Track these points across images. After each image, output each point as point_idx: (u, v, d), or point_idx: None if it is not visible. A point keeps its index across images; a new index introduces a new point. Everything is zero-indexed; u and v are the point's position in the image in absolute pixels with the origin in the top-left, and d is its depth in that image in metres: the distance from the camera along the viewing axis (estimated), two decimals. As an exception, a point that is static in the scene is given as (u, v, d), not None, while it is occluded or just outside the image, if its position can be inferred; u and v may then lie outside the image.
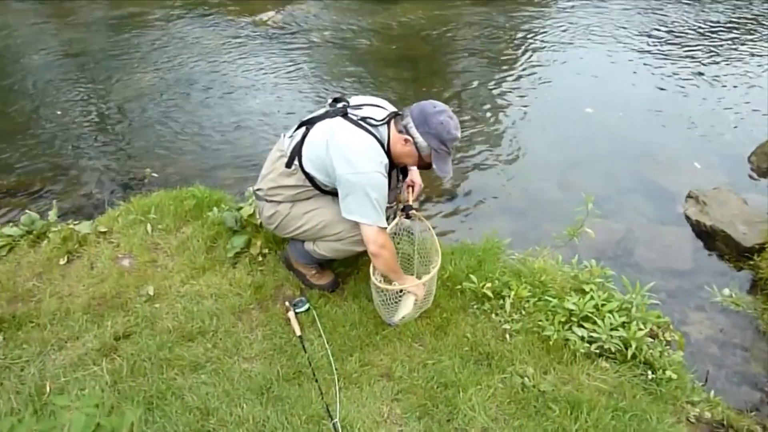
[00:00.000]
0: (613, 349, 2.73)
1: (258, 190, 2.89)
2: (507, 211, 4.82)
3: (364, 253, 2.76)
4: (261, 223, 3.25)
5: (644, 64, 7.47)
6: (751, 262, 3.97)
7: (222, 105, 6.42)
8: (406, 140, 2.59)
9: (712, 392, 2.81)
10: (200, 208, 3.80)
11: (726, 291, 3.73)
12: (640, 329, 2.80)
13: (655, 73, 7.20)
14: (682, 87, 6.86)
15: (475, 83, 7.03)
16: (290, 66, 7.48)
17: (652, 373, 2.71)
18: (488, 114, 6.29)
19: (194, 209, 3.79)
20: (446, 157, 2.62)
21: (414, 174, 3.08)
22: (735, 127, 5.86)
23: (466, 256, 3.37)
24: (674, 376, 2.70)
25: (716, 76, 7.06)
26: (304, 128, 2.71)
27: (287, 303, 3.06)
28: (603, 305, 2.87)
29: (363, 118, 2.62)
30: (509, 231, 4.48)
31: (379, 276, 2.81)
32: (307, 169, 2.66)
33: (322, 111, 2.76)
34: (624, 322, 2.83)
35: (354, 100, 2.77)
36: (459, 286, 3.11)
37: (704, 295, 3.78)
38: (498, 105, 6.51)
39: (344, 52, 8.02)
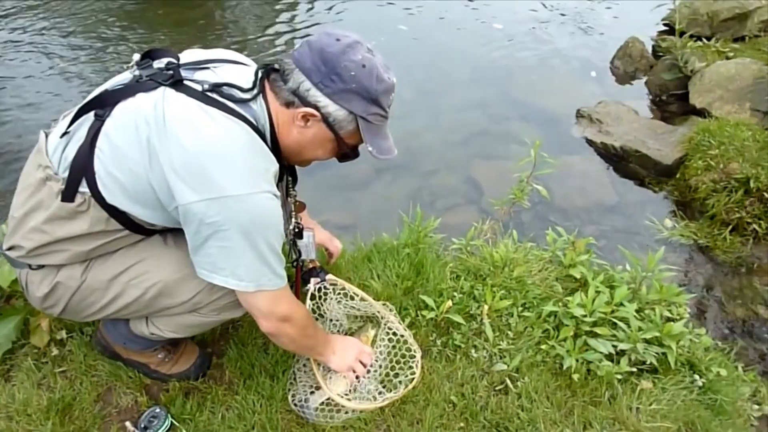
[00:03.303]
0: (647, 360, 1.91)
1: (10, 249, 1.42)
2: (381, 169, 3.76)
3: None
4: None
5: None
6: (673, 183, 3.48)
7: None
8: (305, 117, 1.35)
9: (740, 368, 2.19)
10: None
11: (668, 222, 3.18)
12: (670, 318, 2.02)
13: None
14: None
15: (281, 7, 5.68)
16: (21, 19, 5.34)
17: (699, 375, 1.95)
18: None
19: None
20: (383, 126, 1.44)
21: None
22: (587, 31, 5.41)
23: (390, 260, 2.26)
24: (723, 372, 1.98)
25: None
26: (90, 117, 1.31)
27: (130, 425, 1.71)
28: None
29: (216, 88, 1.31)
30: (400, 198, 3.48)
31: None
32: (112, 199, 1.30)
33: (124, 78, 1.37)
34: (638, 309, 2.03)
35: (187, 56, 1.43)
36: (406, 317, 2.01)
37: (645, 231, 3.20)
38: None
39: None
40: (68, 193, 1.28)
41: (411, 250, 2.28)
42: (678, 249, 3.05)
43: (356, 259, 2.34)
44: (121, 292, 1.43)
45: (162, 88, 1.29)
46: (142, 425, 1.71)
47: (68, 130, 1.34)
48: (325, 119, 1.35)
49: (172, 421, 1.73)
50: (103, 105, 1.32)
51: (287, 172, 1.63)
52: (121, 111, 1.30)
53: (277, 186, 1.36)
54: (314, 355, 1.70)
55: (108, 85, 1.39)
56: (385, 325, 1.88)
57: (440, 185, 3.66)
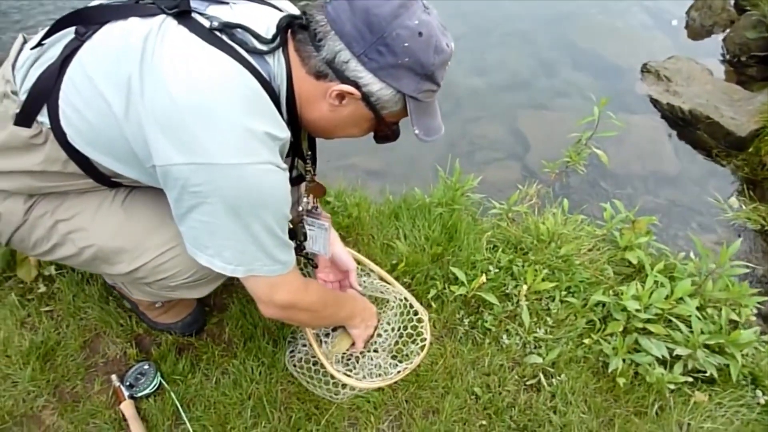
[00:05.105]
0: (707, 370, 1.65)
1: None
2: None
3: None
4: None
5: None
6: (744, 158, 3.09)
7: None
8: (341, 95, 1.06)
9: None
10: None
11: (734, 202, 2.83)
12: (734, 323, 1.75)
13: None
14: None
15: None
16: None
17: (761, 392, 1.70)
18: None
19: None
20: (432, 102, 1.13)
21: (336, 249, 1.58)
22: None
23: (420, 219, 2.00)
24: (790, 389, 1.72)
25: None
26: (70, 33, 1.06)
27: (115, 380, 1.54)
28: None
29: (227, 28, 1.02)
30: (436, 145, 3.16)
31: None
32: (74, 141, 1.05)
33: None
34: (699, 307, 1.76)
35: None
36: (432, 289, 1.77)
37: (706, 209, 2.87)
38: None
39: None
40: (23, 118, 1.03)
41: (444, 211, 2.01)
42: (742, 234, 2.72)
43: (382, 214, 2.09)
44: (60, 243, 1.22)
45: (162, 16, 1.02)
46: (128, 382, 1.54)
47: (43, 42, 1.08)
48: (366, 98, 1.06)
49: (161, 381, 1.55)
50: (88, 21, 1.05)
51: (303, 146, 1.34)
52: (106, 35, 1.03)
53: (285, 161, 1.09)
54: (336, 318, 1.47)
55: (101, 1, 1.12)
56: (396, 297, 1.64)
57: (482, 135, 3.33)
